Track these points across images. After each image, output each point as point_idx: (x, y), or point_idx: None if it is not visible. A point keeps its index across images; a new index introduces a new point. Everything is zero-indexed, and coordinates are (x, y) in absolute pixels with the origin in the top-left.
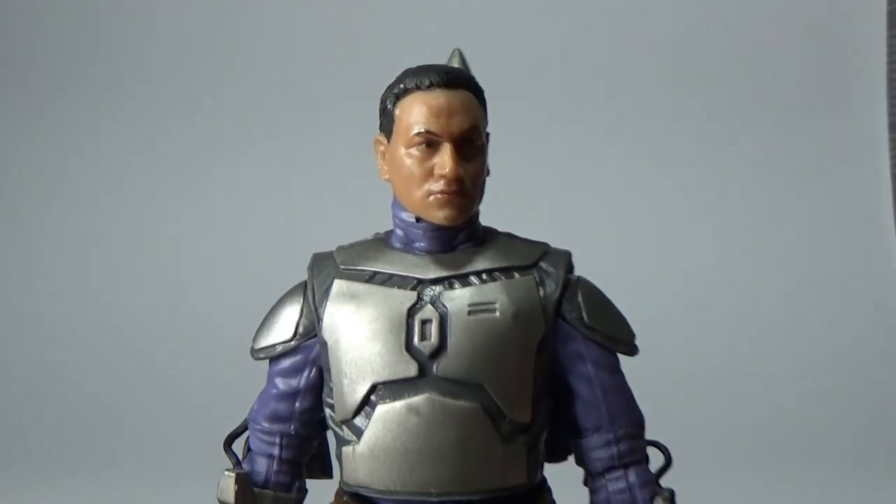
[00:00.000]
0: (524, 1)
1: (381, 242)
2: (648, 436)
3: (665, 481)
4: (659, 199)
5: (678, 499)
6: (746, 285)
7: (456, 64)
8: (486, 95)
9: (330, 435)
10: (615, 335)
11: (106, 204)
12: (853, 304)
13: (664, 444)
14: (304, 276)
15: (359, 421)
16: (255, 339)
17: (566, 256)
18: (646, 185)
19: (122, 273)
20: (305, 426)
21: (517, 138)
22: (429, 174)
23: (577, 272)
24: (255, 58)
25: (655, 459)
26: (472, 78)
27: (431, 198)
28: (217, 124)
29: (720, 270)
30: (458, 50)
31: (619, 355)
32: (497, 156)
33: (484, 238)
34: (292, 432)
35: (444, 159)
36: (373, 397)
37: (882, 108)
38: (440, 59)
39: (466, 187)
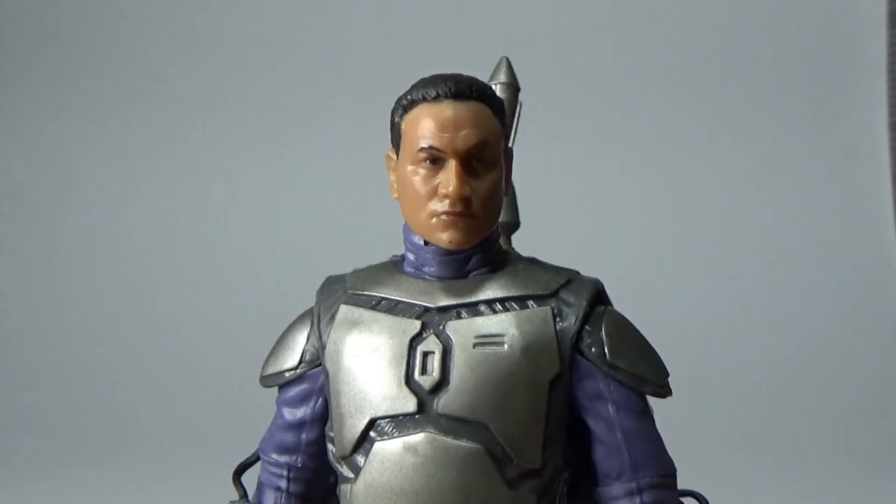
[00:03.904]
0: (529, 3)
1: (394, 266)
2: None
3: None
4: (657, 198)
5: None
6: (746, 284)
7: (503, 74)
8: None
9: None
10: (641, 374)
11: (116, 204)
12: (853, 303)
13: (701, 493)
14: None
15: (357, 458)
16: (264, 365)
17: (592, 286)
18: (644, 184)
19: (126, 273)
20: (313, 459)
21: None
22: (433, 193)
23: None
24: (271, 66)
25: None
26: (489, 88)
27: (435, 219)
28: (234, 131)
29: (719, 270)
30: (507, 58)
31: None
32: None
33: (502, 263)
34: (300, 465)
35: (448, 177)
36: (371, 433)
37: (882, 108)
38: (460, 63)
39: (474, 208)
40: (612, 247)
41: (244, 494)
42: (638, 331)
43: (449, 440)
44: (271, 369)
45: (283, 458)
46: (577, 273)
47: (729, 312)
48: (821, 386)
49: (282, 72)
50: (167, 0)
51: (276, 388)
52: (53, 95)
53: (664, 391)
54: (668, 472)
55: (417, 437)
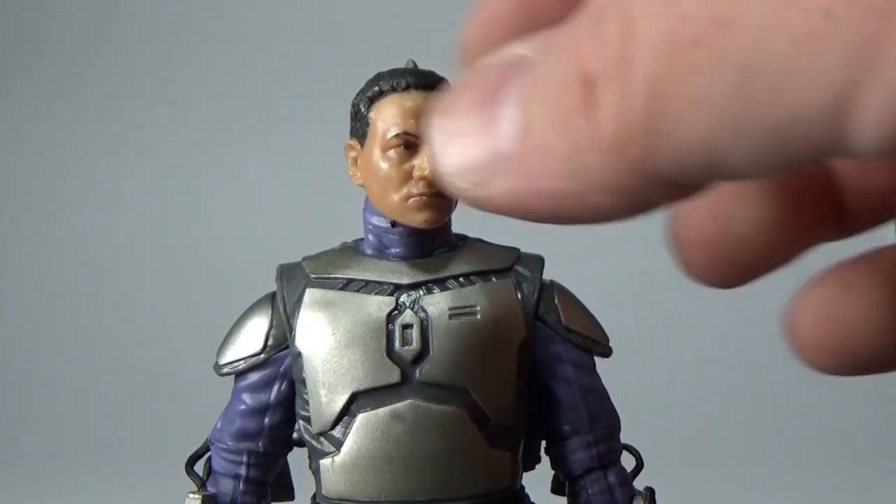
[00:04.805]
0: None
1: (352, 250)
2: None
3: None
4: None
5: (660, 497)
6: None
7: None
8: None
9: (292, 455)
10: (592, 337)
11: (101, 207)
12: None
13: (635, 445)
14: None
15: (337, 431)
16: (219, 353)
17: (540, 261)
18: None
19: (117, 273)
20: (274, 443)
21: None
22: (407, 177)
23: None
24: (248, 63)
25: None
26: (447, 80)
27: (411, 200)
28: (211, 126)
29: None
30: (413, 61)
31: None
32: None
33: (456, 244)
34: (260, 449)
35: (424, 161)
36: (353, 406)
37: None
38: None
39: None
40: (611, 247)
41: (202, 483)
42: (579, 300)
43: (433, 406)
44: (232, 356)
45: (244, 445)
46: (520, 250)
47: (726, 313)
48: (818, 386)
49: (262, 71)
50: (151, 3)
51: (233, 376)
52: (36, 95)
53: (609, 352)
54: (616, 423)
55: (402, 405)
